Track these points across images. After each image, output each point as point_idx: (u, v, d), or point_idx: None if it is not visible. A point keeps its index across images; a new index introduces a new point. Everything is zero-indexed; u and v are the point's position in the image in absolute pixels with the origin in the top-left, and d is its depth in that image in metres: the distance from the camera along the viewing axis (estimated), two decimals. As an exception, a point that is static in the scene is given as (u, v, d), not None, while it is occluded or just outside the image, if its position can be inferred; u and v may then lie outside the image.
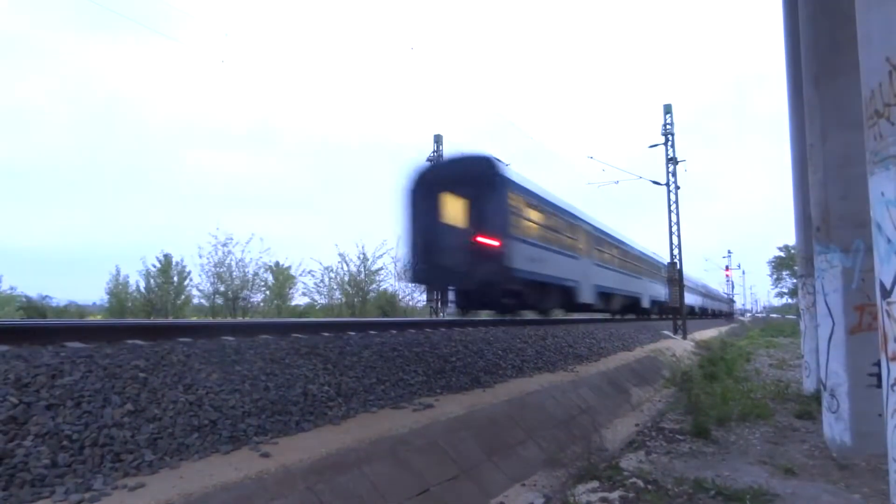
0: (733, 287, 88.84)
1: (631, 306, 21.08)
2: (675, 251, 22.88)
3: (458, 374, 7.45)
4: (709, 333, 27.09)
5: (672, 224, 22.67)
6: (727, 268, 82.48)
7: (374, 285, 30.57)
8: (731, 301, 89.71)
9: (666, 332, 20.07)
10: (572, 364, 10.00)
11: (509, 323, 13.90)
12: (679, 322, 22.32)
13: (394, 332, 9.29)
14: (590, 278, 15.02)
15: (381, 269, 30.42)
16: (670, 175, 23.28)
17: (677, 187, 23.20)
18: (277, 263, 28.27)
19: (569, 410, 7.53)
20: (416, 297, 30.87)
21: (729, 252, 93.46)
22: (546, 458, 5.88)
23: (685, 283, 58.32)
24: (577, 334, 13.16)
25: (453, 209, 10.26)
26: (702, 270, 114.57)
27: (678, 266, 22.94)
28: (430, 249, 10.45)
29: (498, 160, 10.41)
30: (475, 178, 10.28)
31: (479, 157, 10.56)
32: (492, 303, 12.35)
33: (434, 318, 24.84)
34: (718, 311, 62.30)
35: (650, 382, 11.26)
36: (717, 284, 77.21)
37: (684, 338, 20.66)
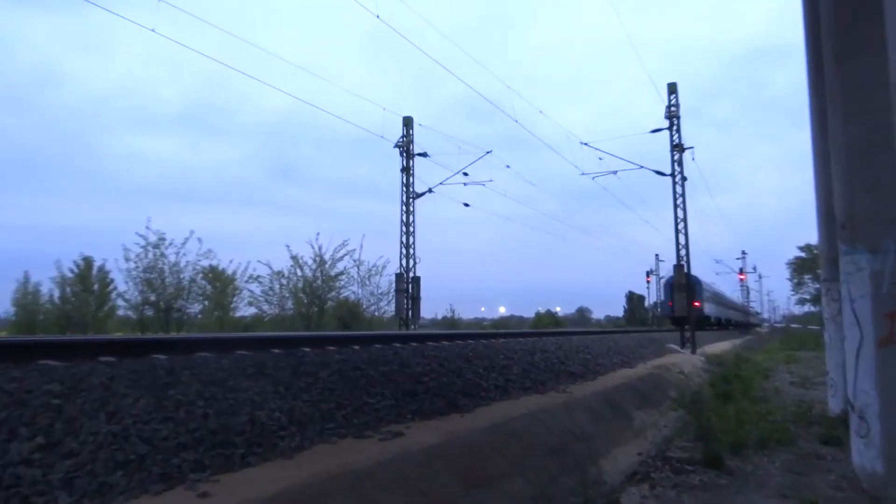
0: (748, 294, 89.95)
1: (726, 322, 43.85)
2: (682, 251, 23.27)
3: (433, 396, 7.47)
4: (721, 347, 27.70)
5: (678, 220, 23.06)
6: (741, 271, 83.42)
7: (333, 293, 30.35)
8: (755, 313, 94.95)
9: (672, 346, 20.71)
10: (565, 383, 10.09)
11: (492, 336, 14.04)
12: (687, 334, 22.80)
13: (356, 347, 9.28)
14: (719, 313, 42.06)
15: (342, 273, 30.16)
16: (675, 164, 23.66)
17: (684, 178, 23.53)
18: (213, 267, 27.67)
19: (561, 437, 7.59)
20: (381, 306, 30.81)
21: (743, 253, 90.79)
22: (534, 493, 5.92)
23: (709, 292, 60.01)
24: (570, 349, 13.29)
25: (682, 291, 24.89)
26: (712, 274, 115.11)
27: (685, 268, 23.46)
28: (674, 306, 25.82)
29: (697, 278, 29.79)
30: (690, 282, 25.34)
31: (691, 275, 25.82)
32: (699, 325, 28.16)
33: (404, 331, 24.88)
34: (742, 322, 69.11)
35: (655, 404, 11.41)
36: (730, 292, 78.35)
37: (693, 352, 21.22)
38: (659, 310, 58.50)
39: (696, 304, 62.86)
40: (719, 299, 66.85)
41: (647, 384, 12.35)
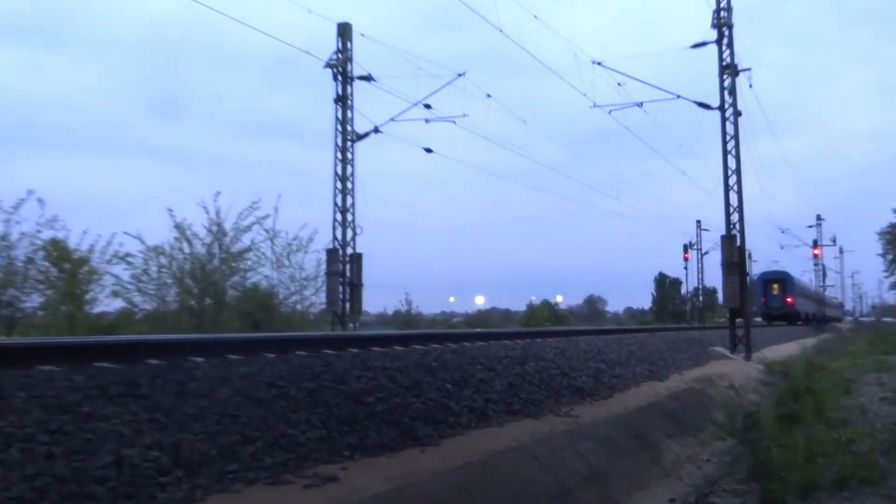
0: (825, 276, 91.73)
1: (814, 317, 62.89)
2: (734, 216, 24.06)
3: (380, 424, 7.52)
4: (785, 349, 29.17)
5: (729, 172, 23.62)
6: (815, 244, 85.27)
7: (236, 277, 29.99)
8: (839, 304, 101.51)
9: (719, 349, 21.72)
10: (568, 403, 10.29)
11: (466, 337, 14.29)
12: (740, 333, 23.65)
13: (270, 356, 9.29)
14: (808, 308, 69.95)
15: (249, 249, 29.84)
16: (726, 93, 23.81)
17: (737, 112, 23.80)
18: (59, 242, 27.08)
19: (563, 480, 7.72)
20: (306, 296, 30.69)
21: (818, 219, 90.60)
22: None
23: (800, 286, 72.43)
24: (576, 355, 13.55)
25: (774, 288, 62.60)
26: (774, 247, 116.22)
27: (738, 241, 24.36)
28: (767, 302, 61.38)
29: (787, 272, 67.96)
30: (783, 277, 65.18)
31: (782, 271, 67.50)
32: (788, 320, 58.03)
33: (339, 331, 24.94)
34: (826, 316, 78.93)
35: (693, 431, 11.66)
36: (799, 273, 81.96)
37: (748, 357, 22.41)
38: (754, 308, 65.22)
39: (789, 299, 67.38)
40: (808, 293, 74.50)
41: (682, 404, 12.62)
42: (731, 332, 24.94)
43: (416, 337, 13.41)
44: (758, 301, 63.95)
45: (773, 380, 18.19)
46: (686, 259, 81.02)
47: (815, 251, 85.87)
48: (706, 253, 76.30)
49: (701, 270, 79.69)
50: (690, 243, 79.85)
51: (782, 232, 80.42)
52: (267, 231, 30.39)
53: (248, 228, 29.90)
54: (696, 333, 27.54)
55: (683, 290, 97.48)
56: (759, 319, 65.87)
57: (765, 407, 13.00)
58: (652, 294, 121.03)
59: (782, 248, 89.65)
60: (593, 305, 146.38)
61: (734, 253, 24.59)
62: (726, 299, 25.37)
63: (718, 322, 72.90)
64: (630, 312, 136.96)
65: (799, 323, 62.05)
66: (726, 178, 24.60)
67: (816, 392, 14.32)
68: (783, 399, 13.49)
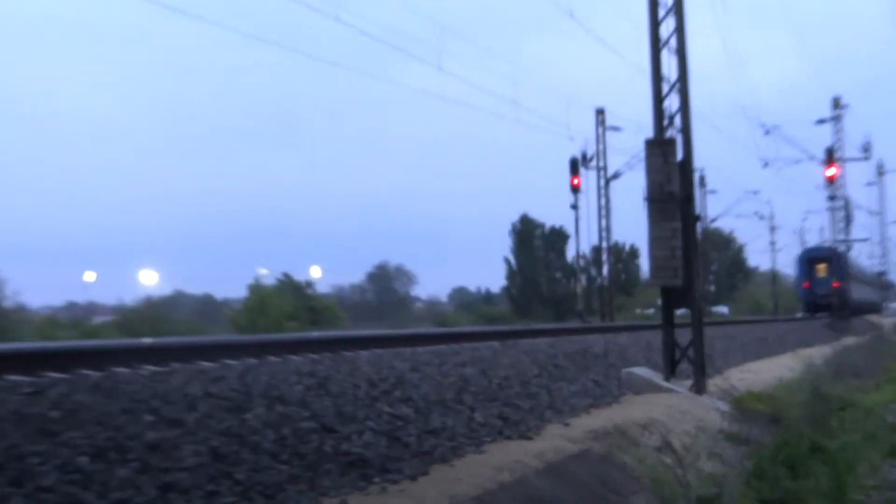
0: (848, 222, 58.15)
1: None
2: (670, 100, 16.03)
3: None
4: (773, 368, 21.00)
5: (659, 8, 15.66)
6: (829, 156, 50.90)
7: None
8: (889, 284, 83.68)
9: (644, 373, 14.90)
10: (335, 490, 6.20)
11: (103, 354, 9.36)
12: (689, 350, 15.73)
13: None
14: (866, 296, 63.37)
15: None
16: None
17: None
18: None
19: None
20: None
21: (837, 106, 55.72)
22: None
23: (856, 267, 64.23)
24: (352, 389, 9.30)
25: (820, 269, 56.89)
26: (753, 165, 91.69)
27: (680, 154, 16.16)
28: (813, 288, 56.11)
29: (835, 248, 55.84)
30: (829, 255, 55.88)
31: (828, 247, 56.95)
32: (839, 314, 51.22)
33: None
34: (862, 302, 61.17)
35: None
36: (801, 214, 73.43)
37: (699, 387, 14.95)
38: (799, 296, 56.28)
39: (838, 282, 55.67)
40: (864, 276, 63.92)
41: (568, 486, 7.81)
42: (667, 338, 15.07)
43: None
44: (799, 286, 54.36)
45: (749, 430, 11.55)
46: (576, 188, 45.68)
47: (830, 171, 51.50)
48: (614, 177, 45.07)
49: (605, 211, 47.45)
50: (585, 156, 46.00)
51: (766, 133, 47.71)
52: None
53: None
54: (598, 341, 18.52)
55: (571, 250, 67.61)
56: (798, 314, 56.85)
57: (732, 487, 8.05)
58: (507, 261, 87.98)
59: (766, 165, 50.48)
60: (387, 285, 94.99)
61: (671, 175, 14.89)
62: (654, 271, 15.68)
63: (643, 317, 57.49)
64: (462, 298, 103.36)
65: (818, 316, 50.65)
66: (654, 23, 15.33)
67: (833, 455, 9.22)
68: (767, 470, 8.53)
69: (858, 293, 56.21)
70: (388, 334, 18.80)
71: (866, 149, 58.82)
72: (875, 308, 62.90)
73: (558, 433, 9.06)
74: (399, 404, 8.80)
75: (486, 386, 10.83)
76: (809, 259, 55.99)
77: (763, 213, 74.13)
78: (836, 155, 51.70)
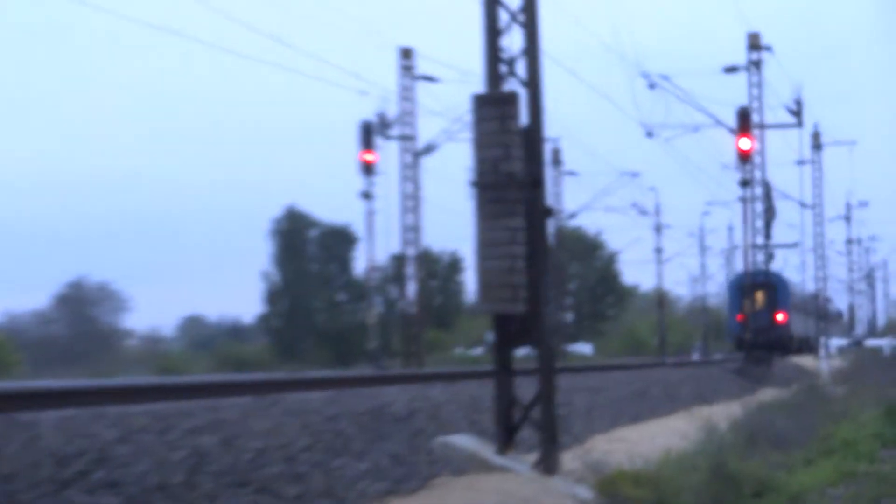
0: (769, 220, 46.31)
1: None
2: (508, 34, 12.11)
3: None
4: (658, 438, 17.11)
5: None
6: (742, 122, 41.54)
7: None
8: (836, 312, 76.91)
9: (466, 444, 11.84)
10: None
11: None
12: (535, 409, 12.08)
13: None
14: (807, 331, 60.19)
15: None
16: None
17: None
18: None
19: None
20: None
21: (754, 48, 43.47)
22: None
23: (798, 295, 56.58)
24: None
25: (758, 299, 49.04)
26: (633, 135, 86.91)
27: (525, 117, 11.91)
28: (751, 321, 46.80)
29: (779, 274, 55.24)
30: (770, 281, 50.22)
31: (771, 271, 50.92)
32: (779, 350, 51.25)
33: None
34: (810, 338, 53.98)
35: None
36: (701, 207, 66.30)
37: (547, 464, 11.83)
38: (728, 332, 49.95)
39: (781, 315, 48.81)
40: (808, 306, 56.81)
41: None
42: (502, 391, 12.13)
43: None
44: (731, 319, 46.59)
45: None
46: (369, 166, 39.70)
47: (745, 143, 42.21)
48: (427, 151, 39.19)
49: (412, 203, 39.88)
50: (384, 120, 39.86)
51: (651, 87, 39.71)
52: None
53: None
54: (399, 395, 15.20)
55: (361, 261, 58.41)
56: (694, 357, 52.66)
57: None
58: (266, 277, 73.08)
59: (651, 135, 43.37)
60: (85, 312, 77.27)
61: (511, 149, 11.71)
62: (483, 292, 12.14)
63: (468, 360, 47.56)
64: (197, 332, 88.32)
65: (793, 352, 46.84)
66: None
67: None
68: None
69: (800, 327, 51.74)
70: (87, 386, 16.81)
71: (796, 111, 45.70)
72: (809, 345, 55.48)
73: None
74: (102, 492, 7.49)
75: (231, 463, 9.08)
76: (744, 286, 46.86)
77: (645, 206, 60.06)
78: (753, 120, 42.78)
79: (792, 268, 72.87)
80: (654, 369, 36.32)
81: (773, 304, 45.29)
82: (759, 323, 43.96)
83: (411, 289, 38.28)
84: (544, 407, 12.01)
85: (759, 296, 44.70)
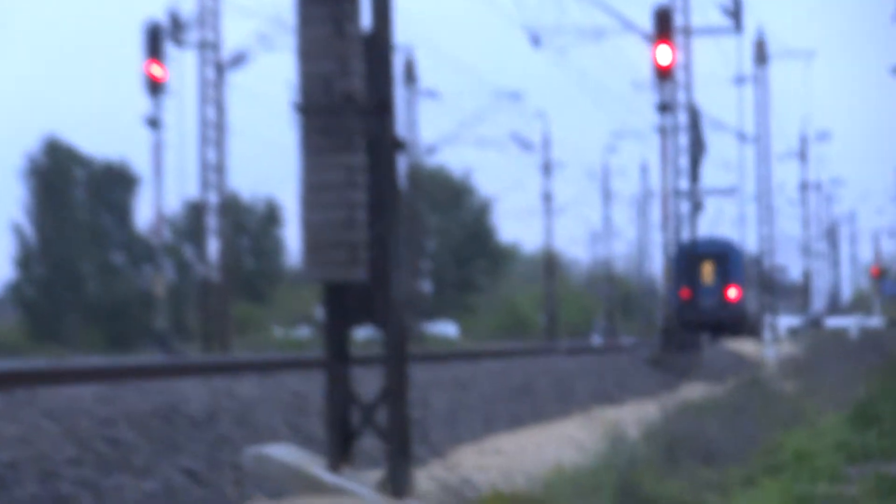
0: (697, 147, 42.70)
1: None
2: None
3: None
4: (546, 449, 14.48)
5: None
6: (663, 28, 37.27)
7: None
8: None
9: (289, 455, 9.64)
10: None
11: None
12: (379, 410, 9.66)
13: None
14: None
15: None
16: None
17: None
18: None
19: None
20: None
21: None
22: None
23: (752, 265, 46.40)
24: None
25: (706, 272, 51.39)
26: (517, 42, 78.81)
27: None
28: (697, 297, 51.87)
29: (728, 240, 56.79)
30: (723, 250, 54.01)
31: (724, 239, 60.75)
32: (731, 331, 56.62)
33: None
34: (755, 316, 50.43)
35: None
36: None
37: (401, 488, 9.51)
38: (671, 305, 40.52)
39: (734, 291, 41.90)
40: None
41: None
42: (335, 386, 9.56)
43: None
44: (673, 295, 38.34)
45: None
46: (157, 84, 33.46)
47: (663, 54, 35.04)
48: (237, 63, 34.20)
49: (215, 132, 34.89)
50: (177, 21, 33.22)
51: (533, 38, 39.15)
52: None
53: None
54: (197, 391, 12.77)
55: (144, 211, 54.81)
56: (595, 339, 47.72)
57: None
58: (17, 231, 61.98)
59: (537, 42, 40.64)
60: None
61: (348, 60, 9.19)
62: (310, 252, 9.42)
63: (289, 343, 42.86)
64: None
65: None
66: None
67: None
68: None
69: (757, 305, 45.53)
70: None
71: (734, 11, 39.23)
72: (752, 326, 46.25)
73: None
74: None
75: None
76: (691, 256, 40.31)
77: (530, 139, 49.96)
78: (676, 23, 36.72)
79: (728, 221, 59.05)
80: (541, 357, 31.25)
81: (725, 277, 40.45)
82: (708, 300, 39.69)
83: (213, 248, 31.81)
84: (393, 408, 10.03)
85: (708, 268, 40.32)
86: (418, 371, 13.79)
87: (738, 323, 40.15)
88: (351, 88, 9.51)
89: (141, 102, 28.69)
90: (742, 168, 45.35)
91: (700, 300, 38.62)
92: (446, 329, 51.93)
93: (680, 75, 34.18)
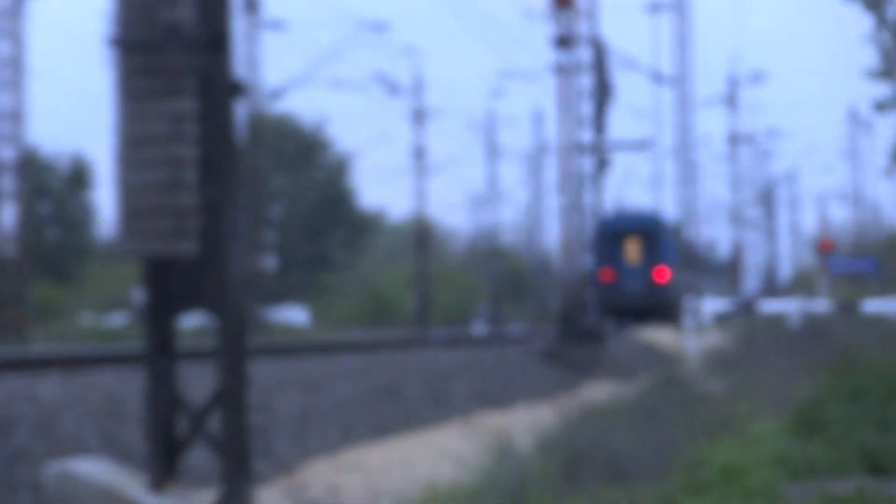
0: (603, 91, 39.77)
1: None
2: None
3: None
4: (417, 464, 13.17)
5: None
6: None
7: None
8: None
9: (100, 477, 7.75)
10: None
11: None
12: (211, 416, 8.23)
13: None
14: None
15: None
16: None
17: None
18: None
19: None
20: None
21: None
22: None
23: (667, 239, 38.63)
24: None
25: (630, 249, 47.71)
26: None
27: None
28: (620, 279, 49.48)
29: (654, 212, 58.57)
30: (649, 225, 49.77)
31: (649, 213, 58.85)
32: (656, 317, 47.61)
33: None
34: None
35: None
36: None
37: None
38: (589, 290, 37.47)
39: (662, 272, 36.36)
40: (696, 257, 47.29)
41: None
42: (157, 387, 7.79)
43: None
44: (593, 278, 35.37)
45: None
46: None
47: None
48: None
49: (8, 74, 32.84)
50: None
51: None
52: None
53: None
54: None
55: None
56: (476, 329, 42.45)
57: None
58: None
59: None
60: None
61: None
62: (127, 221, 7.71)
63: (100, 333, 37.94)
64: None
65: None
66: None
67: None
68: None
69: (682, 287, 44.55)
70: None
71: None
72: (670, 309, 42.74)
73: None
74: None
75: None
76: (615, 232, 37.25)
77: (398, 80, 43.81)
78: None
79: (640, 181, 51.95)
80: (412, 351, 28.98)
81: (653, 256, 36.61)
82: (633, 283, 37.05)
83: (8, 215, 28.07)
84: (228, 413, 8.55)
85: (632, 246, 37.43)
86: (260, 368, 12.46)
87: (668, 309, 36.31)
88: (177, 18, 8.03)
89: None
90: (658, 116, 41.23)
91: (624, 282, 35.29)
92: (295, 315, 46.97)
93: (582, 2, 30.31)
